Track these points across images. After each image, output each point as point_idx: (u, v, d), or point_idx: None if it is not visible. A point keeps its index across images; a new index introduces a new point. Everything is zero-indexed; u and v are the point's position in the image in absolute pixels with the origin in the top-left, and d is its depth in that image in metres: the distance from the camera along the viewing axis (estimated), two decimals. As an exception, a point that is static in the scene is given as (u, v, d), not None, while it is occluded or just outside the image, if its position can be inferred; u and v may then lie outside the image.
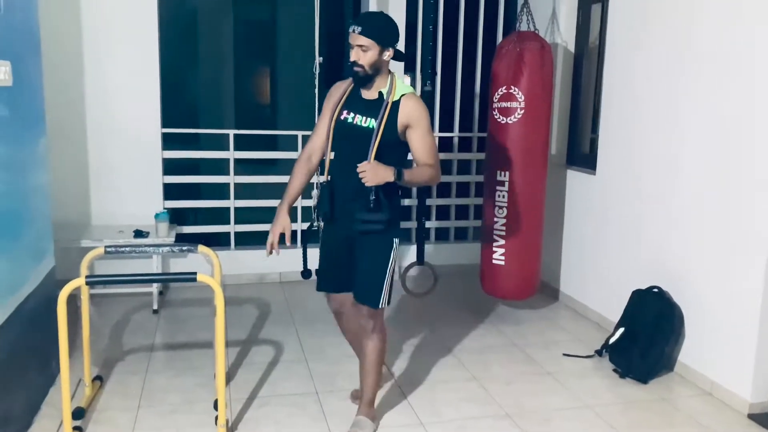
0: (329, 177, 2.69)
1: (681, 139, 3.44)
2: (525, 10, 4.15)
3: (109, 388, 3.17)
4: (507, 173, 3.95)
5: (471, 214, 5.43)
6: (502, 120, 3.95)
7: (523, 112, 3.88)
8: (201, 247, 3.02)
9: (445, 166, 5.32)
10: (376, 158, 2.53)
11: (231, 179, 4.80)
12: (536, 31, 4.10)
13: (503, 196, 3.97)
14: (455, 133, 5.29)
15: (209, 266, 3.09)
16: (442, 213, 5.41)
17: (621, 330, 3.54)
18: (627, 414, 3.05)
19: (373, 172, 2.45)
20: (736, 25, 3.09)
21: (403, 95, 2.58)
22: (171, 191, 4.69)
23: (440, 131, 5.26)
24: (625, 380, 3.37)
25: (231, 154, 4.78)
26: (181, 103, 5.34)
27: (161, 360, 3.52)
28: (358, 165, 2.48)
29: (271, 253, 2.69)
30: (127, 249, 3.00)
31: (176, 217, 4.68)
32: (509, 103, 3.91)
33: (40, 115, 3.14)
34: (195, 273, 2.54)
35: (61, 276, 3.22)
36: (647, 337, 3.37)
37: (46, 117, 3.21)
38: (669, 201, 3.52)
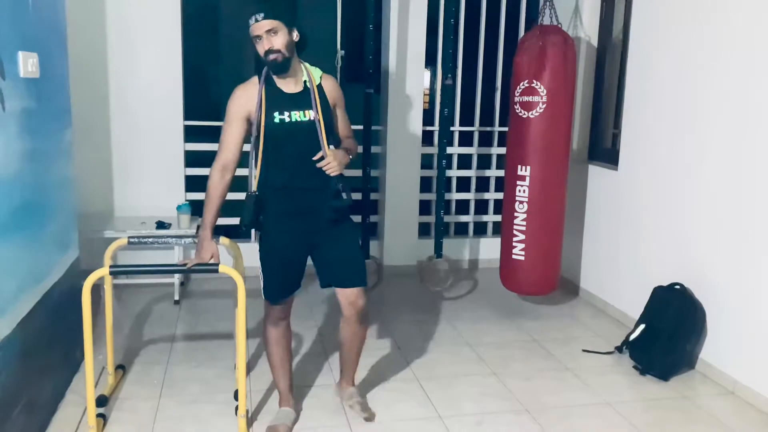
0: (257, 188, 2.59)
1: (704, 135, 3.39)
2: (548, 3, 4.11)
3: (131, 377, 3.21)
4: (528, 168, 3.93)
5: (491, 209, 5.41)
6: (524, 114, 3.92)
7: (544, 106, 3.85)
8: (223, 239, 3.05)
9: (466, 161, 5.31)
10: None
11: (251, 171, 4.82)
12: (559, 25, 4.06)
13: (524, 191, 3.95)
14: (476, 128, 5.26)
15: (230, 258, 3.11)
16: (462, 207, 5.40)
17: (642, 326, 3.51)
18: (647, 412, 3.03)
19: (337, 161, 2.49)
20: (762, 21, 3.04)
21: (321, 77, 2.59)
22: (193, 183, 4.73)
23: (461, 125, 5.24)
24: (646, 377, 3.34)
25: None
26: (204, 96, 5.38)
27: (182, 350, 3.56)
28: (315, 158, 2.49)
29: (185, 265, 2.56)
30: (150, 240, 3.04)
31: (198, 209, 4.71)
32: (531, 97, 3.88)
33: (66, 108, 3.19)
34: (217, 264, 2.57)
35: (85, 266, 3.27)
36: (668, 334, 3.34)
37: (72, 109, 3.26)
38: (691, 197, 3.48)
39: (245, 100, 2.50)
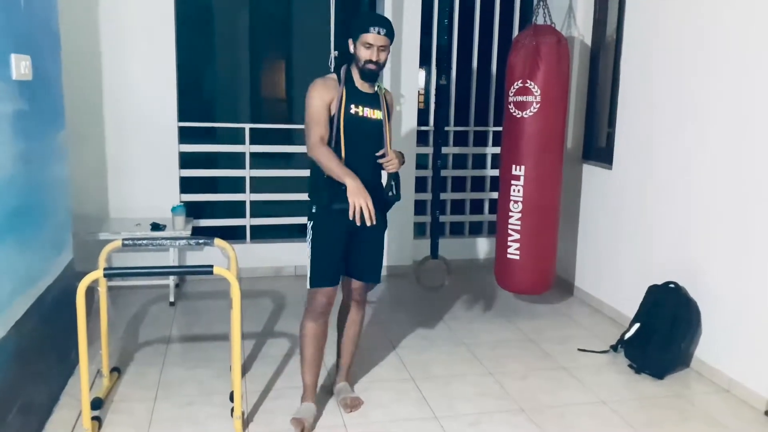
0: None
1: (699, 135, 3.41)
2: (541, 3, 4.12)
3: (126, 379, 3.20)
4: (522, 167, 3.94)
5: (486, 209, 5.41)
6: (518, 114, 3.93)
7: (538, 106, 3.86)
8: (217, 241, 3.05)
9: (461, 160, 5.32)
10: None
11: (247, 173, 4.83)
12: (553, 25, 4.07)
13: (518, 191, 3.95)
14: (470, 127, 5.27)
15: (225, 259, 3.11)
16: (457, 207, 5.40)
17: (637, 325, 3.52)
18: (642, 410, 3.04)
19: (397, 160, 2.75)
20: (756, 20, 3.05)
21: (385, 88, 2.87)
22: (187, 185, 4.73)
23: (455, 125, 5.25)
24: (641, 376, 3.35)
25: (246, 148, 4.80)
26: (198, 98, 5.37)
27: (178, 352, 3.56)
28: (380, 154, 2.73)
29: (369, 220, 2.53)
30: (144, 242, 3.03)
31: (193, 210, 4.72)
32: (525, 97, 3.89)
33: (59, 110, 3.18)
34: (212, 266, 2.56)
35: (80, 268, 3.26)
36: (663, 332, 3.35)
37: (65, 111, 3.25)
38: (686, 196, 3.50)
39: (327, 90, 2.69)
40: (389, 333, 3.84)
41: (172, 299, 4.26)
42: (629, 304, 3.82)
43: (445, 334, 3.88)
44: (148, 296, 4.36)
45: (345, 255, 2.81)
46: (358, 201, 2.50)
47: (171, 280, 4.29)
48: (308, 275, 2.79)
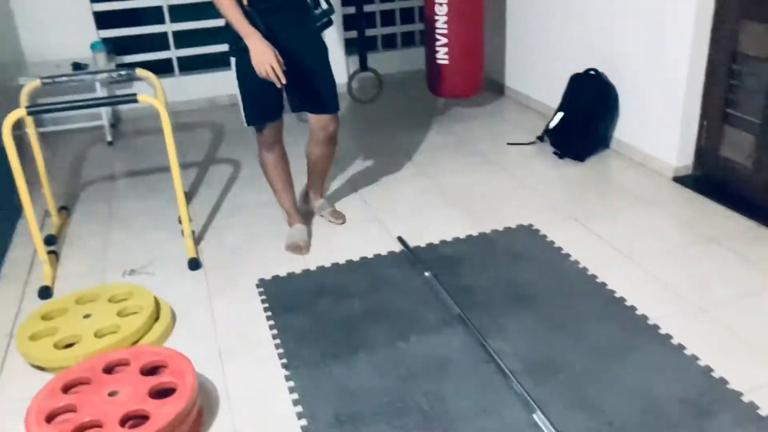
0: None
1: None
2: None
3: (76, 217, 3.30)
4: (445, -33, 3.85)
5: (416, 16, 5.33)
6: None
7: None
8: (139, 70, 3.01)
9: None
10: None
11: (164, 1, 4.60)
12: None
13: (443, -7, 3.90)
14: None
15: (151, 89, 3.08)
16: (388, 19, 5.30)
17: (560, 114, 3.70)
18: (567, 190, 3.30)
19: None
20: None
21: None
22: (105, 20, 4.51)
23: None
24: (564, 161, 3.59)
25: (159, -26, 4.53)
26: None
27: (124, 187, 3.63)
28: None
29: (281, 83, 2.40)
30: (65, 79, 2.97)
31: (115, 46, 4.54)
32: None
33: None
34: (135, 94, 2.57)
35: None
36: (584, 117, 3.55)
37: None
38: (605, -19, 3.51)
39: None
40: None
41: (109, 139, 4.25)
42: (556, 96, 3.97)
43: (382, 142, 4.02)
44: (84, 139, 4.33)
45: (292, 87, 2.59)
46: (263, 66, 2.33)
47: (105, 120, 4.25)
48: (242, 114, 2.66)
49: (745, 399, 1.89)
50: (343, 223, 3.06)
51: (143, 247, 2.98)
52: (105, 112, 4.30)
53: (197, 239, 2.99)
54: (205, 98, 4.83)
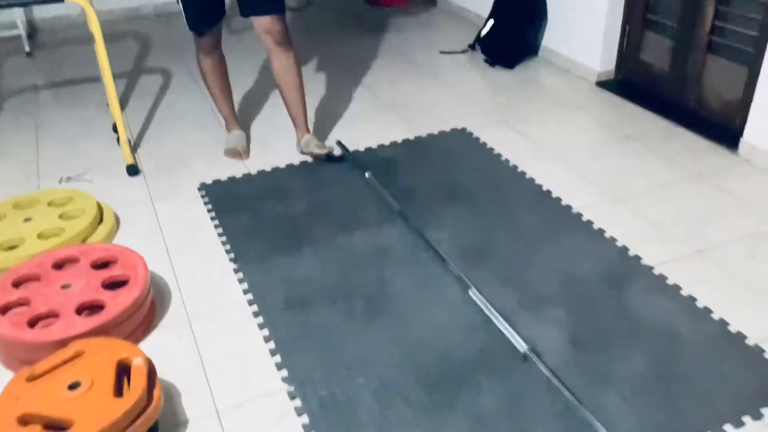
0: None
1: None
2: None
3: (1, 128, 3.18)
4: None
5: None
6: None
7: None
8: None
9: None
10: None
11: None
12: None
13: None
14: None
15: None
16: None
17: (491, 22, 3.78)
18: (496, 95, 3.41)
19: None
20: None
21: None
22: None
23: None
24: (495, 68, 3.70)
25: None
26: None
27: (49, 98, 3.51)
28: None
29: None
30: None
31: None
32: None
33: None
34: (62, -8, 2.47)
35: None
36: (513, 25, 3.64)
37: None
38: None
39: None
40: (262, 59, 3.90)
41: (28, 49, 4.06)
42: (486, 5, 4.02)
43: (317, 52, 4.00)
44: None
45: None
46: None
47: (22, 29, 4.03)
48: (184, 19, 2.58)
49: (656, 272, 2.11)
50: (328, 153, 2.77)
51: (78, 155, 2.93)
52: (20, 21, 4.08)
53: (134, 146, 2.96)
54: (129, 8, 4.64)
